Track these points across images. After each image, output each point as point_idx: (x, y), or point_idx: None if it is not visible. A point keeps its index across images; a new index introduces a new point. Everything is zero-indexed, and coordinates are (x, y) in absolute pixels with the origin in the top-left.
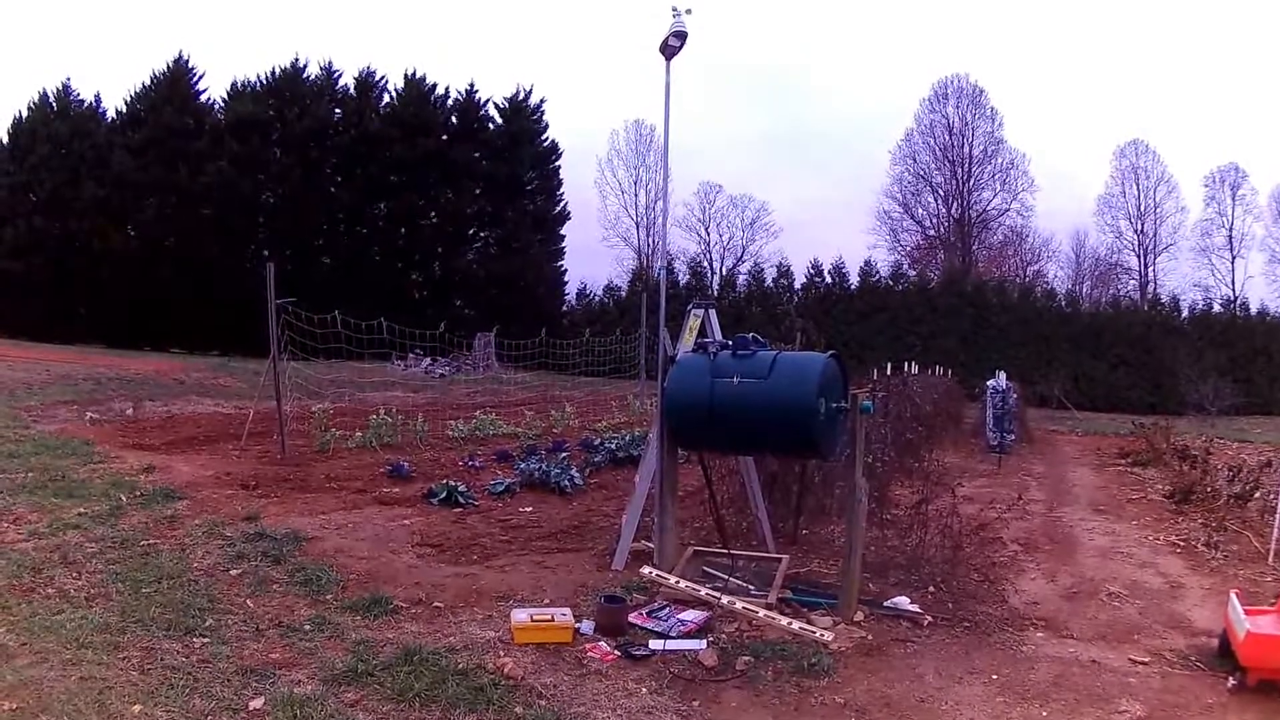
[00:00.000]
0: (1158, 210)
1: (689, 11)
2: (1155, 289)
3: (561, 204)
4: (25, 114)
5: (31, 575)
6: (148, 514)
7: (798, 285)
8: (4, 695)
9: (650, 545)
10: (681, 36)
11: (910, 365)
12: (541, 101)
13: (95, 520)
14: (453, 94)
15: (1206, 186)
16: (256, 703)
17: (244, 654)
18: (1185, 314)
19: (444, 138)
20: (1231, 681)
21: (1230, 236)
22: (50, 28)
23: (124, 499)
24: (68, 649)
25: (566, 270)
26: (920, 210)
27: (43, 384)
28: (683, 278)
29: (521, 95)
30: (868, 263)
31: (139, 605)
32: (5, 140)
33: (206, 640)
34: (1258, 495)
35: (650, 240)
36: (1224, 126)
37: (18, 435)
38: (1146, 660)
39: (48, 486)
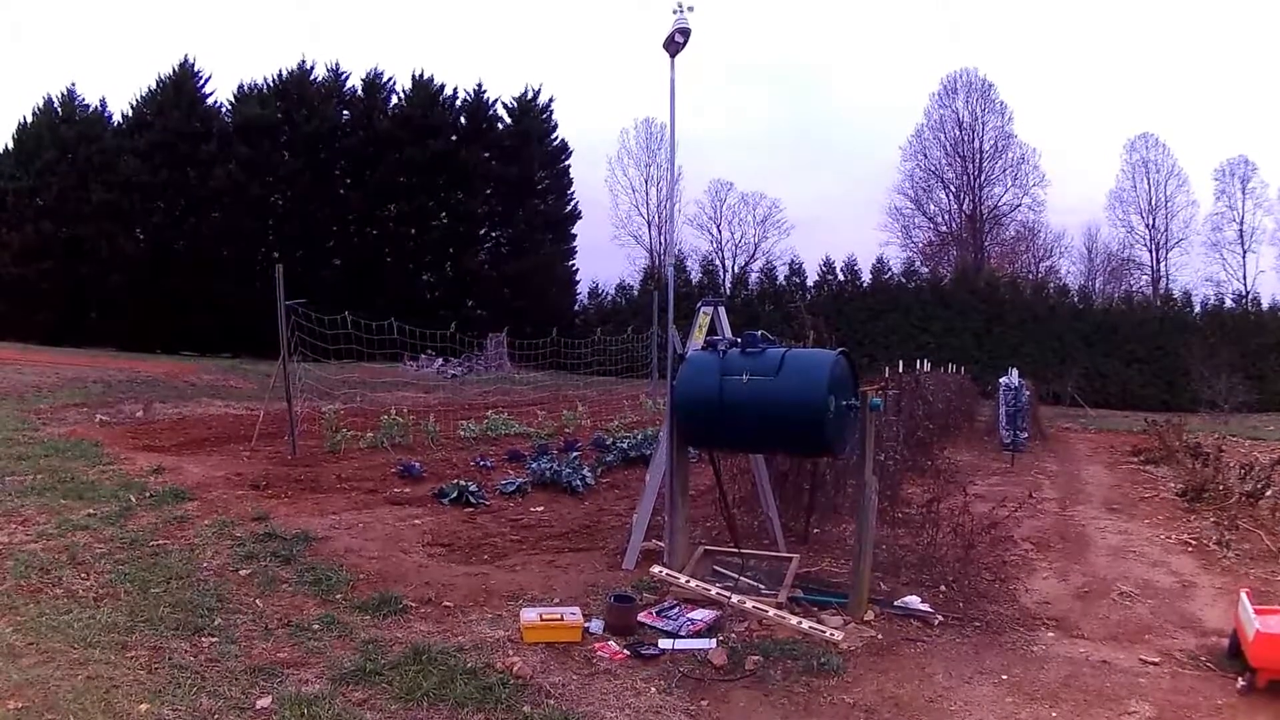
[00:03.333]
0: (1169, 204)
1: (691, 9)
2: (1167, 284)
3: (572, 203)
4: (30, 119)
5: (39, 575)
6: (157, 515)
7: (810, 283)
8: (10, 694)
9: (661, 544)
10: (685, 33)
11: (923, 363)
12: (550, 101)
13: (104, 521)
14: (461, 94)
15: (1217, 180)
16: (264, 701)
17: (252, 653)
18: (1198, 309)
19: (453, 138)
20: (1241, 682)
21: (1241, 230)
22: (55, 32)
23: (133, 500)
24: (75, 648)
25: (578, 270)
26: (932, 206)
27: (53, 387)
28: (694, 276)
29: (530, 95)
30: (880, 260)
31: (147, 605)
32: (11, 145)
33: (215, 639)
34: (1269, 493)
35: (662, 239)
36: (1233, 118)
37: (27, 438)
38: (1157, 660)
39: (57, 488)
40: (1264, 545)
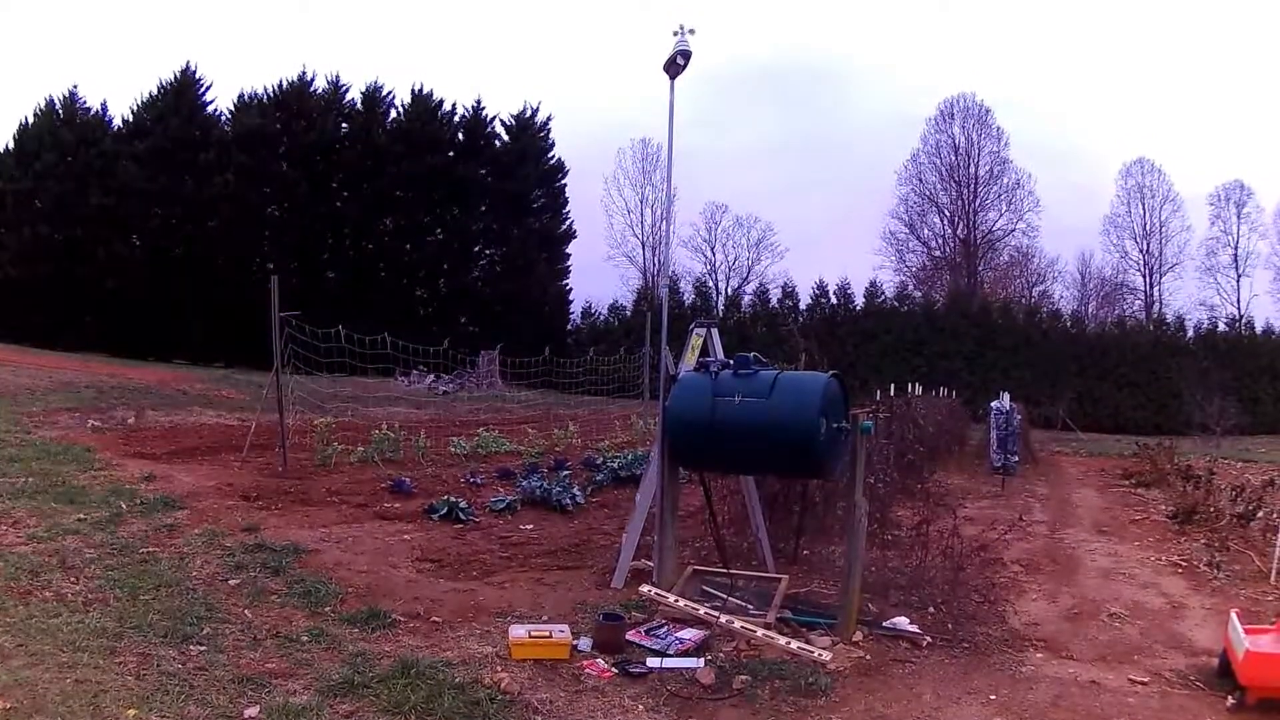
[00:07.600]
0: (1163, 229)
1: (692, 31)
2: (1161, 309)
3: (567, 222)
4: (31, 120)
5: (29, 578)
6: (147, 522)
7: (803, 306)
8: None
9: (650, 564)
10: (686, 56)
11: (915, 386)
12: (548, 119)
13: (94, 526)
14: (459, 110)
15: (1212, 205)
16: (251, 711)
17: (240, 663)
18: (1191, 333)
19: (450, 154)
20: (1231, 701)
21: (1235, 255)
22: (57, 35)
23: (124, 506)
24: (64, 652)
25: (571, 289)
26: (926, 231)
27: (45, 390)
28: (688, 298)
29: (528, 112)
30: (873, 283)
31: (136, 611)
32: (10, 147)
33: (203, 648)
34: (1260, 515)
35: (656, 260)
36: (1229, 144)
37: (19, 440)
38: (1146, 680)
39: (47, 492)
40: (1254, 566)
